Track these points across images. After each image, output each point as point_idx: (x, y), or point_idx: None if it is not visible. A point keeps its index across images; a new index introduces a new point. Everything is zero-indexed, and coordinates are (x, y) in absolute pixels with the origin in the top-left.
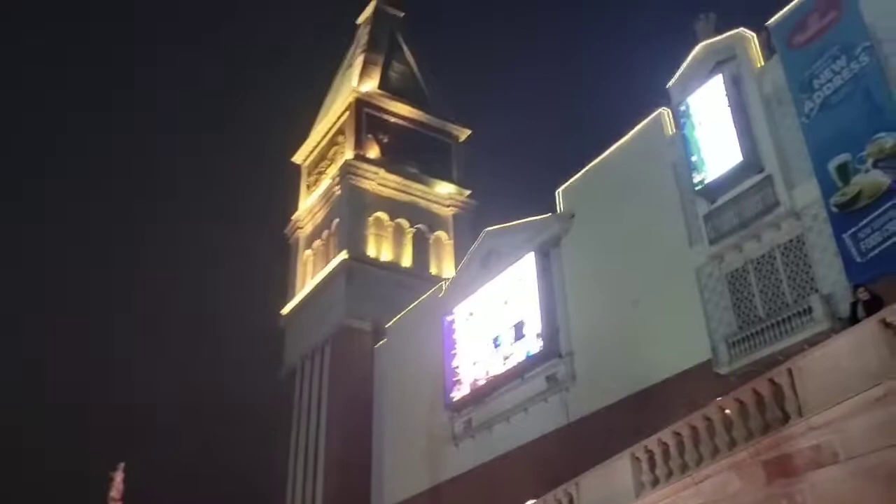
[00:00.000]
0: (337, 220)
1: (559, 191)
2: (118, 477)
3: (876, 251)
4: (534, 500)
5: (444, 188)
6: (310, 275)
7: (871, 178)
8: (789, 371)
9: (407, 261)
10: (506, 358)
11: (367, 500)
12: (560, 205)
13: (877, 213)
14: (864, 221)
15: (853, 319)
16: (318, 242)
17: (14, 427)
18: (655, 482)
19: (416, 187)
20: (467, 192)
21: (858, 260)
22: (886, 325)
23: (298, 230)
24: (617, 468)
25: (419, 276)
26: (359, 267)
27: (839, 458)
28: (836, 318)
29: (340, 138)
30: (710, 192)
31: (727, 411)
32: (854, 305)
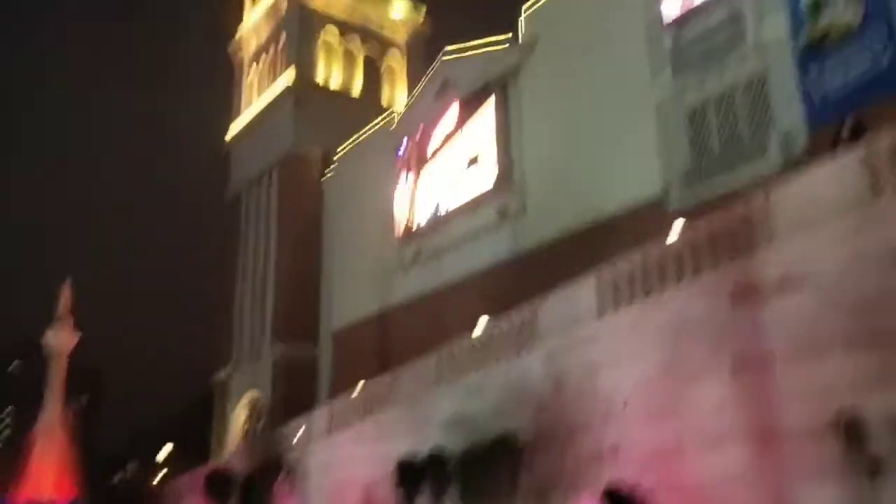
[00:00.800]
0: (284, 38)
1: (523, 14)
2: (66, 293)
3: (837, 92)
4: (487, 317)
5: (398, 8)
6: (256, 97)
7: (840, 17)
8: (765, 196)
9: (357, 90)
10: (458, 190)
11: (316, 323)
12: (522, 30)
13: (841, 53)
14: (829, 62)
15: (836, 147)
16: (264, 62)
17: None
18: (618, 303)
19: (368, 7)
20: (423, 10)
21: (819, 100)
22: (868, 155)
23: (242, 49)
24: (580, 290)
25: (370, 106)
26: (307, 93)
27: (806, 287)
28: (790, 157)
29: None
30: (679, 23)
31: (694, 236)
32: (838, 135)
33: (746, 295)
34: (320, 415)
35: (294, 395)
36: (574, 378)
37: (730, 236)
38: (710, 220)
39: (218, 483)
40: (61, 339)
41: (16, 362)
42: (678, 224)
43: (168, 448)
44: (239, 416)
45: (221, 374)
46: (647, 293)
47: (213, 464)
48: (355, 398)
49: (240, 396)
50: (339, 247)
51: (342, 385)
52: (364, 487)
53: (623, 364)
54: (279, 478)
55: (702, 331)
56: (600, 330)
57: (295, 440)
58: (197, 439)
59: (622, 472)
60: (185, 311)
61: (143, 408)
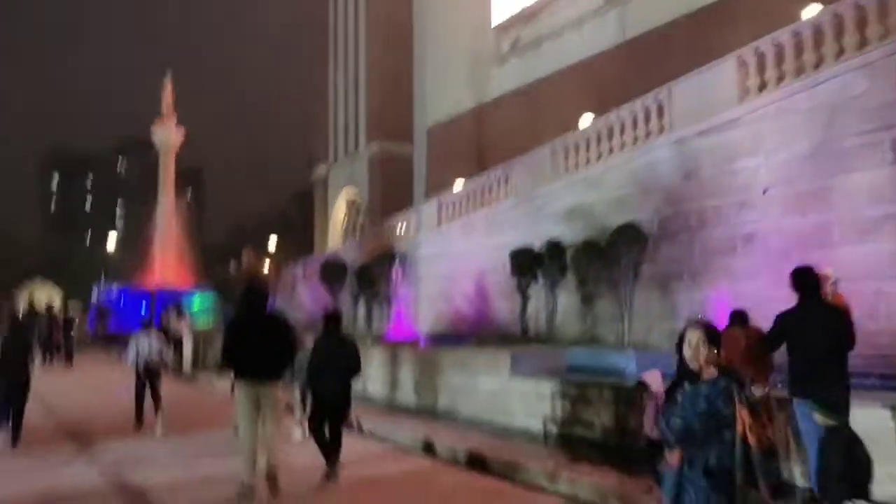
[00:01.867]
0: None
1: None
2: (168, 87)
3: None
4: (592, 114)
5: None
6: None
7: None
8: None
9: None
10: None
11: (410, 119)
12: None
13: None
14: None
15: None
16: None
17: None
18: (763, 86)
19: None
20: None
21: None
22: None
23: None
24: (718, 73)
25: None
26: None
27: None
28: None
29: None
30: None
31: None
32: None
33: None
34: (429, 208)
35: (390, 191)
36: (707, 167)
37: None
38: None
39: (333, 270)
40: (168, 133)
41: (121, 160)
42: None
43: (274, 239)
44: (338, 212)
45: (320, 171)
46: (799, 73)
47: (327, 253)
48: (465, 191)
49: (338, 192)
50: (431, 39)
51: (437, 181)
52: (475, 277)
53: (765, 150)
54: (391, 266)
55: (860, 112)
56: (741, 114)
57: (404, 232)
58: (298, 233)
59: (757, 263)
60: (284, 109)
61: (244, 205)
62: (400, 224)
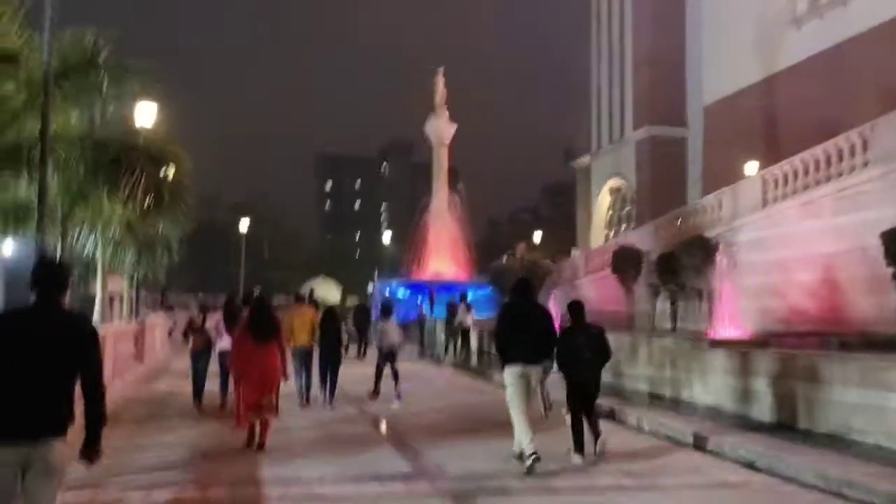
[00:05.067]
0: None
1: None
2: (440, 82)
3: None
4: None
5: None
6: None
7: None
8: None
9: None
10: None
11: (681, 102)
12: None
13: None
14: None
15: None
16: None
17: None
18: None
19: None
20: None
21: None
22: None
23: None
24: None
25: None
26: None
27: None
28: None
29: None
30: None
31: None
32: None
33: None
34: (749, 186)
35: (662, 178)
36: None
37: None
38: None
39: (627, 260)
40: (442, 127)
41: (384, 163)
42: None
43: (538, 233)
44: (602, 202)
45: (581, 161)
46: None
47: (618, 242)
48: (797, 163)
49: (602, 182)
50: (708, 13)
51: (716, 164)
52: (820, 265)
53: None
54: (703, 254)
55: None
56: None
57: (716, 215)
58: (553, 226)
59: None
60: (543, 98)
61: (495, 199)
62: (711, 206)
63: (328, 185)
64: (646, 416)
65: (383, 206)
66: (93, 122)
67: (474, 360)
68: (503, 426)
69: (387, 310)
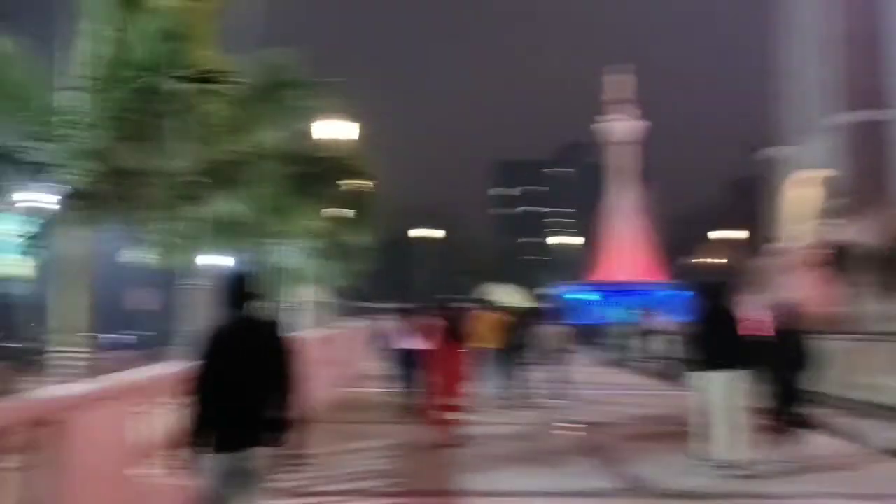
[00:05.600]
0: None
1: None
2: (624, 80)
3: None
4: None
5: None
6: None
7: None
8: None
9: None
10: None
11: (883, 84)
12: None
13: None
14: None
15: None
16: None
17: None
18: None
19: None
20: None
21: None
22: None
23: None
24: None
25: None
26: None
27: None
28: None
29: None
30: None
31: None
32: None
33: None
34: None
35: (866, 167)
36: None
37: None
38: None
39: (843, 256)
40: (624, 125)
41: (561, 166)
42: None
43: (724, 231)
44: (799, 195)
45: (772, 152)
46: None
47: (827, 237)
48: None
49: (797, 173)
50: None
51: None
52: None
53: None
54: None
55: None
56: None
57: None
58: (747, 220)
59: None
60: (726, 89)
61: (688, 191)
62: None
63: (503, 190)
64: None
65: (561, 209)
66: (292, 138)
67: (664, 365)
68: (703, 435)
69: (548, 314)
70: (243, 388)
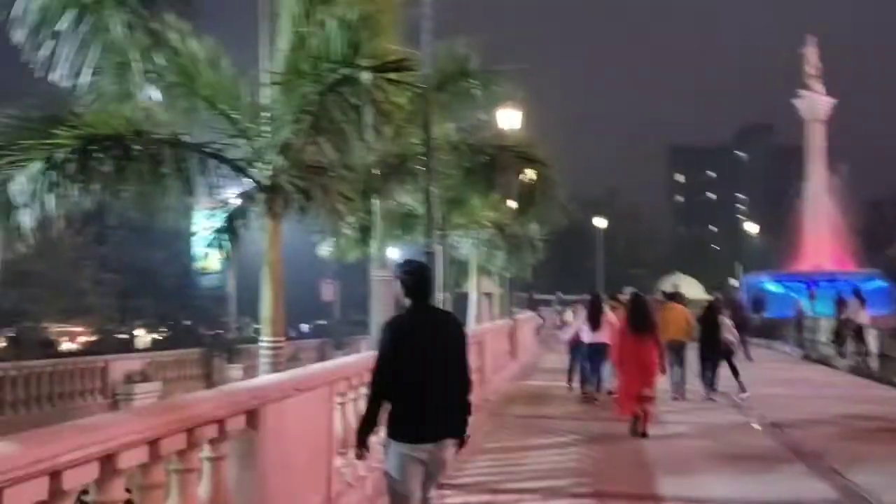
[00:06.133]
0: None
1: None
2: (811, 52)
3: None
4: None
5: None
6: None
7: None
8: None
9: None
10: None
11: None
12: None
13: None
14: None
15: None
16: None
17: None
18: None
19: None
20: None
21: None
22: None
23: None
24: None
25: None
26: None
27: None
28: None
29: None
30: None
31: None
32: None
33: None
34: None
35: None
36: None
37: None
38: None
39: None
40: (815, 103)
41: (741, 150)
42: None
43: None
44: None
45: None
46: None
47: None
48: None
49: None
50: None
51: None
52: None
53: None
54: None
55: None
56: None
57: None
58: None
59: None
60: None
61: (888, 174)
62: None
63: (680, 177)
64: None
65: (742, 195)
66: (466, 130)
67: (874, 362)
68: None
69: (738, 306)
70: (437, 380)
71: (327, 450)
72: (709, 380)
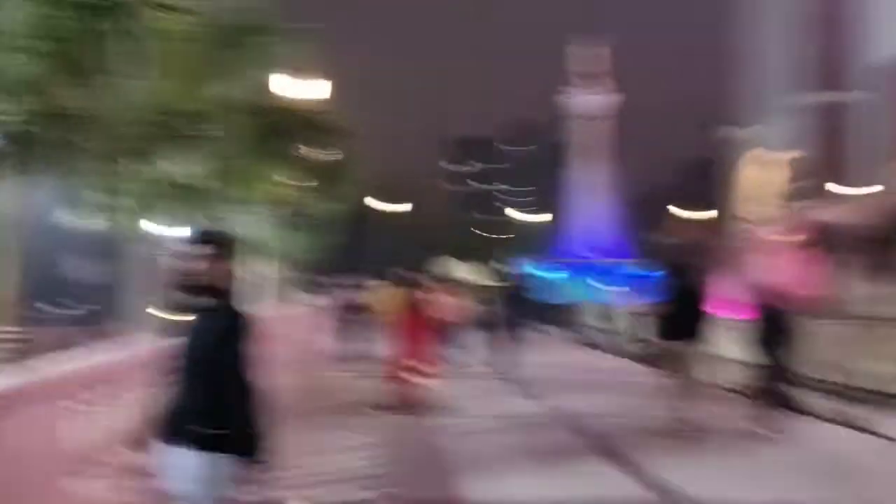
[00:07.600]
0: None
1: None
2: (601, 53)
3: None
4: None
5: None
6: None
7: None
8: None
9: None
10: None
11: (849, 65)
12: None
13: None
14: None
15: None
16: None
17: None
18: None
19: None
20: None
21: None
22: None
23: None
24: None
25: None
26: None
27: None
28: None
29: None
30: None
31: None
32: None
33: None
34: None
35: (830, 147)
36: None
37: None
38: None
39: (831, 236)
40: (588, 99)
41: (527, 147)
42: None
43: (678, 210)
44: (756, 175)
45: (730, 133)
46: None
47: (805, 217)
48: None
49: (755, 154)
50: None
51: None
52: None
53: None
54: None
55: None
56: None
57: None
58: (694, 202)
59: None
60: (685, 66)
61: (649, 170)
62: None
63: (460, 167)
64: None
65: (520, 188)
66: (255, 91)
67: (640, 346)
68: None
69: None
70: (207, 377)
71: (61, 469)
72: (486, 361)
